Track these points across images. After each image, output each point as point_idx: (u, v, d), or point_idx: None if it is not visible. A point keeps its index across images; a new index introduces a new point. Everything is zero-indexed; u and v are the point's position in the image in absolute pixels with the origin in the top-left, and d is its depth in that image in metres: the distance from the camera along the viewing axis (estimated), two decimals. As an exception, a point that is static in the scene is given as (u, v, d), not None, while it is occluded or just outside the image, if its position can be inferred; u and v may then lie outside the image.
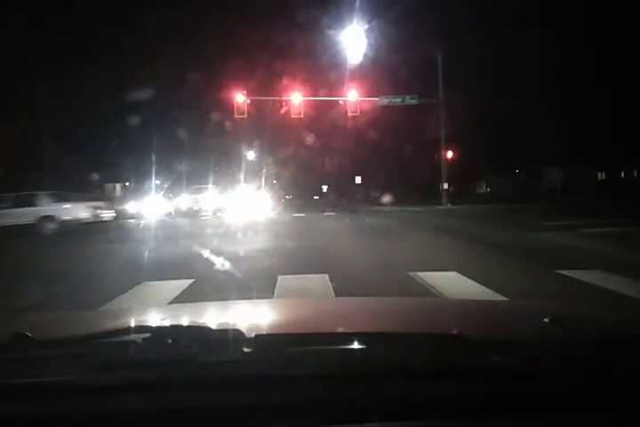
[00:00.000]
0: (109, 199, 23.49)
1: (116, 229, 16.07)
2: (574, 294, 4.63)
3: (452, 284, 5.17)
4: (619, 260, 6.64)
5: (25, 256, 9.51)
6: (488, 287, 4.84)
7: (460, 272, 5.72)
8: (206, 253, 8.26)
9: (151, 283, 5.75)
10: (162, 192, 26.02)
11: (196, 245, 9.53)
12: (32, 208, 15.84)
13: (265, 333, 1.31)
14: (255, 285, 5.29)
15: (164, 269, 6.72)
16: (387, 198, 30.20)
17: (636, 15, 23.56)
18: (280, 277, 5.67)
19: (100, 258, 8.63)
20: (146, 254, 8.76)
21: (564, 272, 5.63)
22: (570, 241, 8.76)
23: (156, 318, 1.68)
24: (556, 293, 4.59)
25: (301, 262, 6.99)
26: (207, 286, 5.39)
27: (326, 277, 5.59)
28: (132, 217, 21.72)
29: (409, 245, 9.31)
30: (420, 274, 5.65)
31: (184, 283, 5.61)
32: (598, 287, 4.89)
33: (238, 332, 1.03)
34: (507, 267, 6.40)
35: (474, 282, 5.18)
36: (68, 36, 23.79)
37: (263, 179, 37.33)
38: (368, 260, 7.11)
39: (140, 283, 5.68)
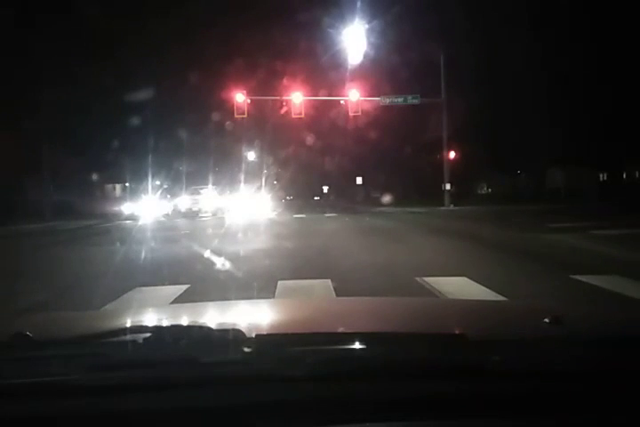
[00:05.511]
0: (108, 200, 23.17)
1: (112, 231, 15.78)
2: (594, 302, 4.34)
3: (463, 291, 4.87)
4: (634, 264, 6.36)
5: (12, 259, 9.08)
6: (502, 295, 4.54)
7: (469, 277, 5.44)
8: (203, 256, 7.99)
9: (144, 288, 5.48)
10: (159, 193, 25.70)
11: (193, 247, 9.27)
12: None
13: (265, 333, 1.29)
14: (253, 291, 5.04)
15: (159, 274, 6.43)
16: (388, 199, 29.91)
17: (636, 14, 23.36)
18: (280, 283, 5.39)
19: (92, 261, 8.28)
20: (141, 258, 8.49)
21: (580, 278, 5.37)
22: (580, 244, 8.47)
23: (156, 318, 1.67)
24: (576, 302, 4.30)
25: (302, 267, 6.70)
26: (203, 292, 5.14)
27: (329, 282, 5.32)
28: (130, 218, 21.45)
29: (413, 247, 9.03)
30: (428, 280, 5.38)
31: (179, 288, 5.34)
32: (617, 294, 4.61)
33: (238, 332, 1.04)
34: (519, 271, 6.13)
35: (486, 289, 4.89)
36: (68, 36, 23.53)
37: (263, 179, 37.06)
38: (372, 264, 6.81)
39: (132, 288, 5.41)
